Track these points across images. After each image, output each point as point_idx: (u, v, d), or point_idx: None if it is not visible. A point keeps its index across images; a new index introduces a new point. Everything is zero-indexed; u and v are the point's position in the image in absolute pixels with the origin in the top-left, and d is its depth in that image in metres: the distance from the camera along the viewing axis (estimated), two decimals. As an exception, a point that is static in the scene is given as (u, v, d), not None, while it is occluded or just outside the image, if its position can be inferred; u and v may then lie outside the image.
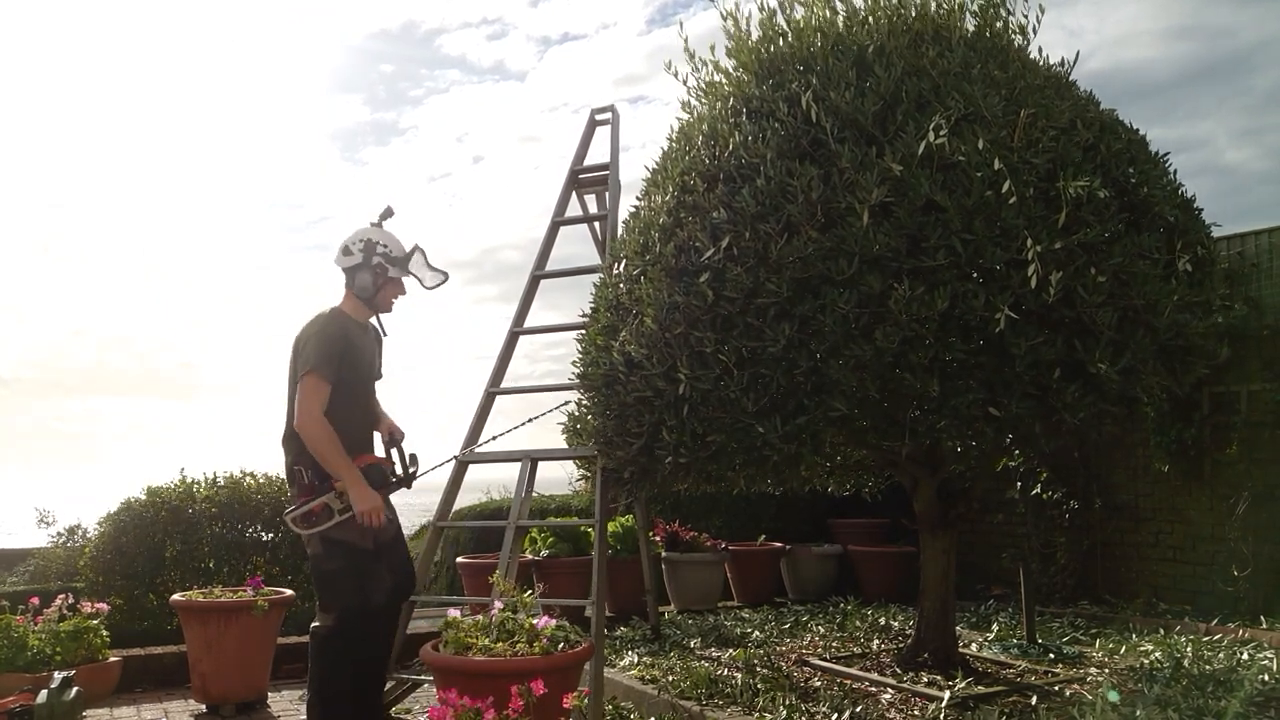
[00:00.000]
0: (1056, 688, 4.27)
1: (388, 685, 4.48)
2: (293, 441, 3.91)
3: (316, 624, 3.89)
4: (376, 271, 4.03)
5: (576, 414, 5.02)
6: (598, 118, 6.15)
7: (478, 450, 5.45)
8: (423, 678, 4.55)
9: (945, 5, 4.40)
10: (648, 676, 4.63)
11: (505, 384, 5.64)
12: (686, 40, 4.66)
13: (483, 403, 5.54)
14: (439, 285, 4.22)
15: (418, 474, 4.09)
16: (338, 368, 3.86)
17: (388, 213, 4.14)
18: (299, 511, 3.84)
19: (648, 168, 4.76)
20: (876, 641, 5.49)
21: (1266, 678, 4.18)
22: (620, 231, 5.04)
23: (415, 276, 4.15)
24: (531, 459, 5.23)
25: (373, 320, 4.19)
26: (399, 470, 4.16)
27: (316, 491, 3.83)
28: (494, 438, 5.38)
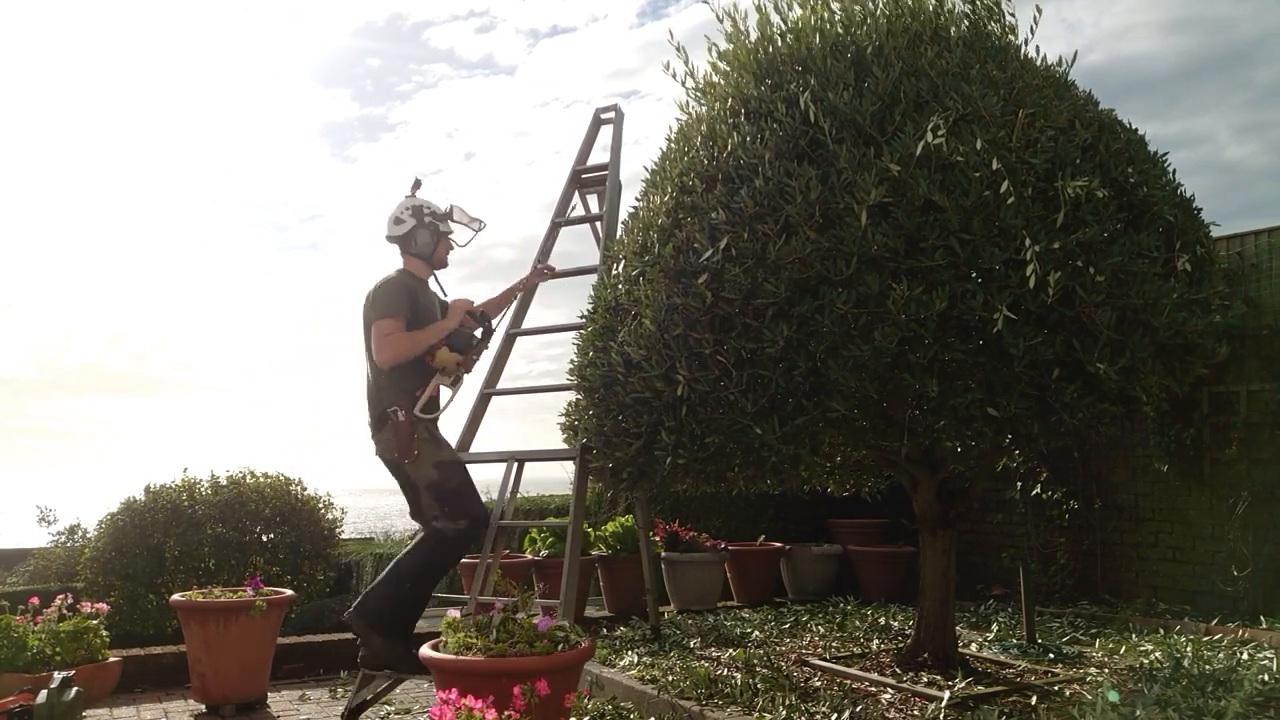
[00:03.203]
0: (1056, 688, 4.27)
1: (374, 682, 4.47)
2: (380, 392, 4.33)
3: (442, 525, 4.33)
4: (430, 229, 4.54)
5: (571, 412, 5.03)
6: (602, 116, 6.12)
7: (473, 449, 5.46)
8: (405, 675, 4.55)
9: (945, 5, 4.40)
10: (647, 676, 4.62)
11: (501, 384, 5.64)
12: (679, 46, 4.65)
13: (477, 404, 5.54)
14: (480, 230, 4.73)
15: (493, 328, 4.72)
16: (406, 311, 4.33)
17: (417, 184, 4.64)
18: (423, 400, 4.30)
19: (646, 168, 4.76)
20: (876, 641, 5.49)
21: (1266, 678, 4.17)
22: (619, 232, 5.04)
23: (462, 225, 4.67)
24: (517, 460, 5.23)
25: (432, 281, 4.61)
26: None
27: (413, 423, 4.27)
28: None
